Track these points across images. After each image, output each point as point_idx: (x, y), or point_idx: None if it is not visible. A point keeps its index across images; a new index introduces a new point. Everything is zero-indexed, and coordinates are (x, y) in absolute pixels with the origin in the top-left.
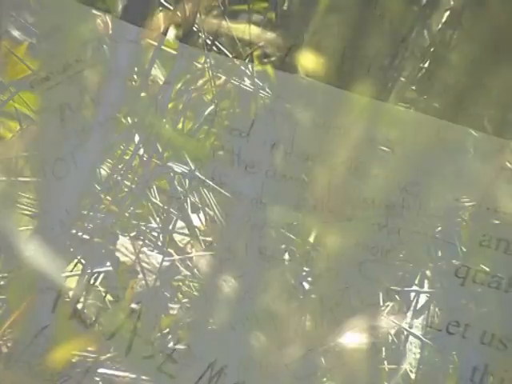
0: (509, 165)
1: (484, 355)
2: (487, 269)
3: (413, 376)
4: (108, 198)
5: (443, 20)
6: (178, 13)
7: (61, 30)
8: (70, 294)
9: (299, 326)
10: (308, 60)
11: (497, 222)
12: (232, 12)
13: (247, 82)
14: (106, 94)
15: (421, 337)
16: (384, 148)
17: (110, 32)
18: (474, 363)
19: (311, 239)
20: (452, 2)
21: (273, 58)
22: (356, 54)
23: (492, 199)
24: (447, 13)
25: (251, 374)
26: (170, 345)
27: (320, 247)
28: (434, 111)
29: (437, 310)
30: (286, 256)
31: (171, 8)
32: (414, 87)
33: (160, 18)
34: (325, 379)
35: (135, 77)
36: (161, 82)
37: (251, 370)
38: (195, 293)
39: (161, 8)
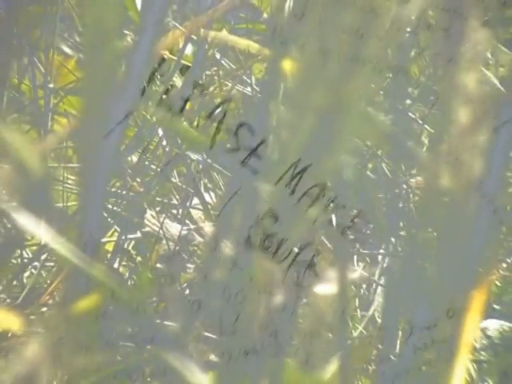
0: None
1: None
2: None
3: (379, 320)
4: (138, 179)
5: None
6: (194, 33)
7: (99, 48)
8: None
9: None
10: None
11: None
12: (237, 31)
13: (248, 88)
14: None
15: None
16: None
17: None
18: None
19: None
20: None
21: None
22: None
23: None
24: None
25: None
26: None
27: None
28: None
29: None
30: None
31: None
32: None
33: (179, 37)
34: (308, 324)
35: (158, 83)
36: (179, 88)
37: None
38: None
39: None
